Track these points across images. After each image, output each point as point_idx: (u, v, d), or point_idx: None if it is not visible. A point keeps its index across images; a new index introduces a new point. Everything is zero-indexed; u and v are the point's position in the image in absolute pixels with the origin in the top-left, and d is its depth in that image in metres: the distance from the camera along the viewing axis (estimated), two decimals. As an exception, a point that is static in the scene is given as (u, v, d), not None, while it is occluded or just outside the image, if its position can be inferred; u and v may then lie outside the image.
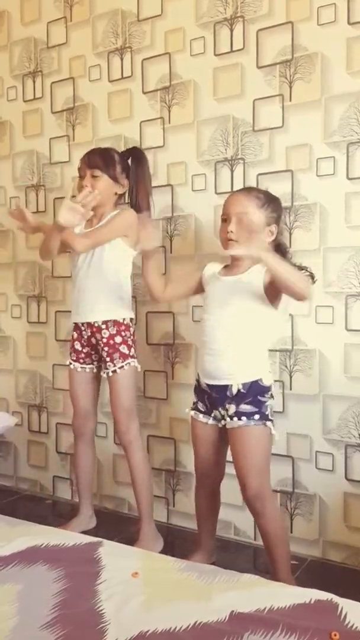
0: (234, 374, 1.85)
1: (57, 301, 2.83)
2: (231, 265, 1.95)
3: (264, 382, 1.85)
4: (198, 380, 1.98)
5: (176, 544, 2.37)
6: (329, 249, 2.14)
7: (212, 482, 2.06)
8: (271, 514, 1.86)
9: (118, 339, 2.21)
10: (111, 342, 2.20)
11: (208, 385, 1.91)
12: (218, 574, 1.36)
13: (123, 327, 2.22)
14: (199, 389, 1.98)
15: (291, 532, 2.26)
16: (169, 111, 2.47)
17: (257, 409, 1.83)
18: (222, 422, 1.91)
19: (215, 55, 2.35)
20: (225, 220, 1.87)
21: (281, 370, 2.25)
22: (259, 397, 1.84)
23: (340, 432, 2.15)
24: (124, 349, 2.21)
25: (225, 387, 1.86)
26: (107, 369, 2.22)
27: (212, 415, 1.94)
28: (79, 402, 2.36)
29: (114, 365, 2.20)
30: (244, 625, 1.13)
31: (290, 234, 2.20)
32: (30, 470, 2.96)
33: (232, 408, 1.85)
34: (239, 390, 1.84)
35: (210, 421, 1.94)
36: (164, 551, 2.18)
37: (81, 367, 2.32)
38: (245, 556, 2.24)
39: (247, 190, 1.97)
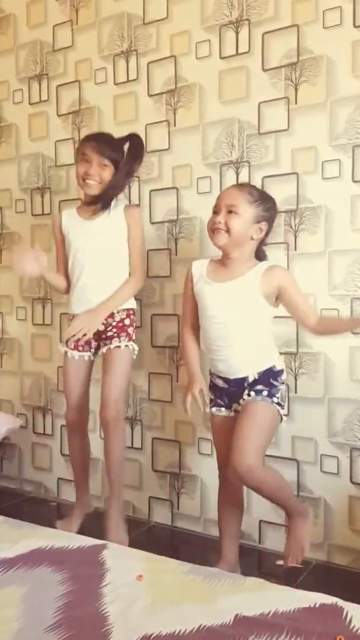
0: (249, 367, 1.90)
1: (62, 303, 2.83)
2: (220, 265, 1.95)
3: (277, 367, 1.92)
4: (211, 379, 2.01)
5: (180, 546, 2.37)
6: (334, 252, 2.14)
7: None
8: (268, 484, 1.83)
9: (127, 322, 2.26)
10: (121, 324, 2.24)
11: (225, 380, 1.94)
12: (223, 577, 1.36)
13: (131, 312, 2.28)
14: (215, 387, 2.00)
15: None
16: (175, 114, 2.47)
17: (267, 389, 1.88)
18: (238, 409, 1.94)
19: (221, 58, 2.35)
20: (216, 212, 1.89)
21: (286, 373, 2.24)
22: (271, 380, 1.89)
23: (345, 435, 2.14)
24: (130, 330, 2.26)
25: (243, 379, 1.91)
26: (108, 345, 2.22)
27: (233, 408, 1.96)
28: (73, 393, 2.32)
29: (119, 342, 2.22)
30: (249, 629, 1.13)
31: (296, 236, 2.20)
32: (35, 472, 2.96)
33: (245, 392, 1.90)
34: (255, 379, 1.90)
35: (232, 414, 1.96)
36: (169, 554, 2.17)
37: (79, 355, 2.30)
38: (250, 559, 2.23)
39: (240, 185, 2.03)
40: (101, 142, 2.21)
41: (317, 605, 1.23)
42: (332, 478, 2.18)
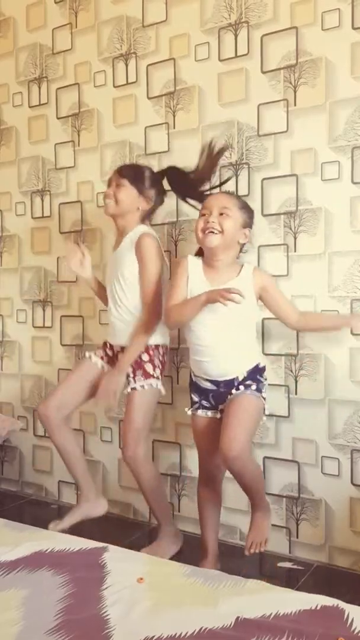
0: (238, 367, 1.96)
1: (63, 306, 2.83)
2: (209, 267, 1.97)
3: (261, 364, 2.01)
4: (195, 382, 2.04)
5: (182, 549, 2.36)
6: (334, 254, 2.14)
7: (215, 478, 2.08)
8: (250, 472, 1.88)
9: (145, 357, 2.15)
10: (138, 359, 2.14)
11: (214, 382, 1.97)
12: (224, 579, 1.36)
13: (151, 347, 2.15)
14: (199, 389, 2.03)
15: (297, 537, 2.25)
16: (174, 116, 2.48)
17: (254, 383, 1.95)
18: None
19: (220, 60, 2.35)
20: (204, 214, 1.94)
21: (286, 374, 2.24)
22: (257, 376, 1.98)
23: (346, 437, 2.14)
24: (149, 367, 2.14)
25: (233, 379, 1.96)
26: (126, 387, 2.16)
27: (219, 408, 2.00)
28: (67, 389, 2.25)
29: (135, 382, 2.14)
30: (250, 631, 1.13)
31: (295, 238, 2.20)
32: (36, 475, 2.96)
33: (235, 388, 1.96)
34: (244, 377, 1.96)
35: (218, 415, 2.01)
36: (170, 556, 2.17)
37: (96, 360, 2.26)
38: (251, 562, 2.23)
39: (227, 192, 2.13)
40: (123, 166, 2.26)
41: (318, 607, 1.22)
42: (333, 480, 2.17)
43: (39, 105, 2.89)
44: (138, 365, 2.14)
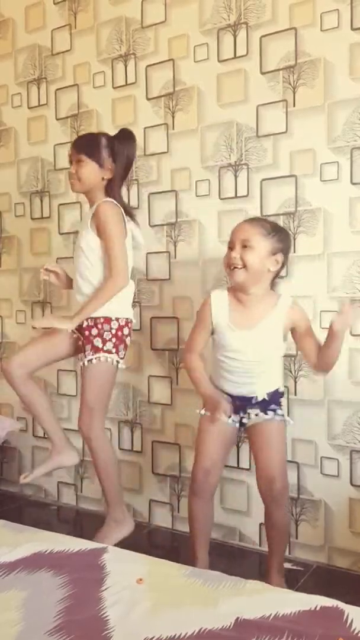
0: (257, 391, 1.95)
1: (62, 307, 2.83)
2: (239, 303, 1.91)
3: (280, 389, 1.99)
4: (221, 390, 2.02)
5: (181, 550, 2.36)
6: (333, 254, 2.14)
7: (211, 486, 2.01)
8: (286, 504, 1.97)
9: (94, 332, 2.13)
10: (87, 333, 2.13)
11: (231, 395, 1.96)
12: (223, 580, 1.36)
13: (101, 320, 2.12)
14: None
15: (296, 538, 2.25)
16: (173, 117, 2.48)
17: (279, 407, 1.97)
18: (243, 419, 1.97)
19: (219, 61, 2.35)
20: (231, 248, 1.87)
21: (286, 375, 2.24)
22: (279, 400, 1.98)
23: (345, 438, 2.14)
24: (97, 341, 2.12)
25: (251, 397, 1.95)
26: (83, 359, 2.17)
27: (231, 418, 1.97)
28: (32, 348, 2.26)
29: (85, 356, 2.14)
30: (250, 632, 1.13)
31: (295, 238, 2.20)
32: (35, 476, 2.96)
33: (255, 410, 1.95)
34: (264, 399, 1.95)
35: (229, 421, 1.97)
36: (169, 557, 2.17)
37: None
38: (250, 562, 2.23)
39: (252, 219, 1.97)
40: (78, 139, 2.23)
41: (317, 608, 1.22)
42: (332, 480, 2.17)
43: (38, 106, 2.89)
44: (87, 340, 2.13)
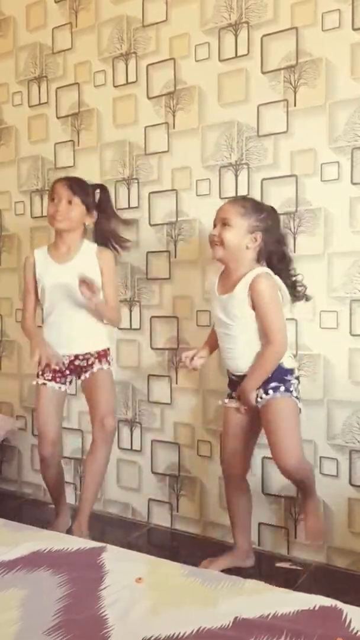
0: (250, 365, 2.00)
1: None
2: (225, 275, 2.04)
3: (285, 365, 1.98)
4: (229, 375, 2.12)
5: (180, 549, 2.36)
6: (333, 254, 2.14)
7: (238, 473, 2.11)
8: (306, 476, 2.00)
9: (102, 354, 2.32)
10: (102, 352, 2.31)
11: (236, 376, 2.05)
12: (222, 579, 1.36)
13: (107, 351, 2.33)
14: (232, 382, 2.10)
15: (295, 538, 2.25)
16: (174, 116, 2.48)
17: (282, 384, 1.96)
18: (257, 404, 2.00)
19: (220, 60, 2.35)
20: (215, 226, 2.00)
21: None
22: (283, 377, 1.97)
23: (344, 438, 2.14)
24: (108, 358, 2.33)
25: None
26: (90, 370, 2.27)
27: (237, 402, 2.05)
28: (51, 426, 2.30)
29: (100, 364, 2.27)
30: (249, 632, 1.13)
31: (295, 238, 2.20)
32: (34, 475, 2.96)
33: (260, 392, 1.97)
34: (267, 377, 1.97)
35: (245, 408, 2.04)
36: (168, 556, 2.17)
37: (58, 387, 2.31)
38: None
39: (234, 199, 2.12)
40: (69, 180, 2.30)
41: (316, 608, 1.22)
42: (331, 480, 2.18)
43: (38, 105, 2.88)
44: (103, 356, 2.30)
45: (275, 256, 2.02)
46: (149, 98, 2.54)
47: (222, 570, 1.43)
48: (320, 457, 2.19)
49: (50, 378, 2.29)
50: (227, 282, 2.01)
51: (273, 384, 1.96)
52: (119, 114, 2.62)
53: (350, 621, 1.17)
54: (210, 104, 2.38)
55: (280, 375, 1.97)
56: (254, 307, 1.93)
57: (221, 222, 1.96)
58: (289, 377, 1.98)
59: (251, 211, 1.97)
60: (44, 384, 2.29)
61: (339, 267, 2.13)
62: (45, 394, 2.30)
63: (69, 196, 2.23)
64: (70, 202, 2.23)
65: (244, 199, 2.09)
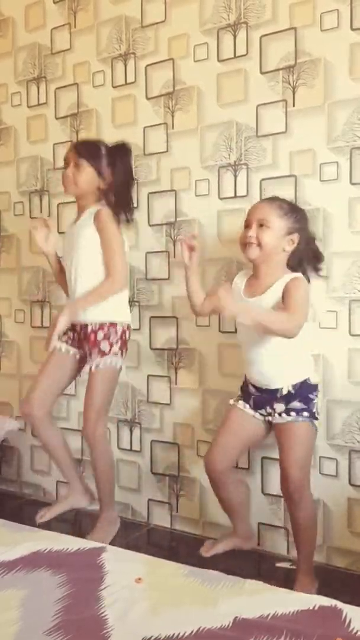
0: (283, 379, 1.95)
1: (61, 306, 2.83)
2: (254, 277, 2.00)
3: (312, 381, 1.96)
4: (244, 383, 2.07)
5: (180, 549, 2.36)
6: (332, 254, 2.14)
7: (220, 469, 2.06)
8: (305, 505, 1.95)
9: (100, 335, 2.21)
10: (93, 337, 2.21)
11: (256, 388, 1.99)
12: (222, 579, 1.36)
13: (106, 325, 2.21)
14: (245, 390, 2.06)
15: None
16: (173, 117, 2.48)
17: (306, 406, 1.92)
18: (268, 417, 1.98)
19: (219, 61, 2.35)
20: (247, 226, 1.94)
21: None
22: (308, 395, 1.93)
23: (344, 438, 2.14)
24: (104, 345, 2.20)
25: (276, 390, 1.96)
26: (90, 363, 2.24)
27: (259, 412, 2.02)
28: (44, 384, 2.29)
29: (100, 358, 2.20)
30: (248, 632, 1.13)
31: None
32: (34, 475, 2.96)
33: (280, 407, 1.94)
34: (289, 391, 1.94)
35: (257, 415, 2.02)
36: (168, 557, 2.17)
37: (65, 349, 2.31)
38: (249, 562, 2.23)
39: (270, 198, 2.04)
40: (79, 143, 2.26)
41: (316, 608, 1.22)
42: (331, 480, 2.18)
43: (37, 105, 2.88)
44: (94, 344, 2.19)
45: (306, 257, 2.00)
46: (147, 98, 2.54)
47: (222, 571, 1.43)
48: (320, 457, 2.19)
49: (64, 340, 2.29)
50: (257, 285, 1.97)
51: (298, 405, 1.91)
52: (118, 115, 2.62)
53: (350, 621, 1.17)
54: (209, 104, 2.38)
55: (306, 392, 1.93)
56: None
57: (258, 222, 1.90)
58: (312, 396, 1.94)
59: (289, 212, 1.93)
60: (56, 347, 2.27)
61: (338, 267, 2.13)
62: (52, 356, 2.31)
63: (76, 160, 2.18)
64: (77, 166, 2.17)
65: (280, 198, 2.02)
